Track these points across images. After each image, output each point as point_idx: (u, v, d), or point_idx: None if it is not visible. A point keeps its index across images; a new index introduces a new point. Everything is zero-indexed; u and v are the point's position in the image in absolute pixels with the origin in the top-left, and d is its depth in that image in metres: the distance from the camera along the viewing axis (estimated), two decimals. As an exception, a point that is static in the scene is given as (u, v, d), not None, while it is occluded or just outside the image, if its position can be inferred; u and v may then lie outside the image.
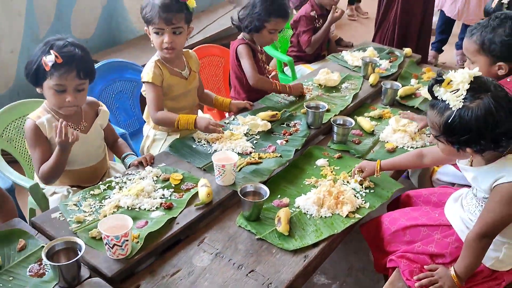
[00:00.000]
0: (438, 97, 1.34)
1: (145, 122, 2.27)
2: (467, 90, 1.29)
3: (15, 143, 2.03)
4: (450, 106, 1.30)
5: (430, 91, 1.35)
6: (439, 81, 1.33)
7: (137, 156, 1.92)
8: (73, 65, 1.64)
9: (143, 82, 2.02)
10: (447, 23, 4.36)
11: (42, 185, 1.84)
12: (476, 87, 1.29)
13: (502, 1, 2.17)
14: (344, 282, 2.18)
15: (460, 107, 1.29)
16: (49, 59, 1.60)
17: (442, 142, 1.38)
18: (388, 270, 1.65)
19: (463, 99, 1.29)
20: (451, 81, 1.31)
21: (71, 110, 1.74)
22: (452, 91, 1.30)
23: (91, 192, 1.65)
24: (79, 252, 1.29)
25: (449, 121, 1.31)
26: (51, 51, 1.61)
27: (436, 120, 1.35)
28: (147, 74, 1.99)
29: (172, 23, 1.88)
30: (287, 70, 3.20)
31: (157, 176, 1.75)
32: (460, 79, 1.30)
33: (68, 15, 3.35)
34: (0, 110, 1.99)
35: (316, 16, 3.05)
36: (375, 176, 1.79)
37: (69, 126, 1.77)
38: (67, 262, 1.27)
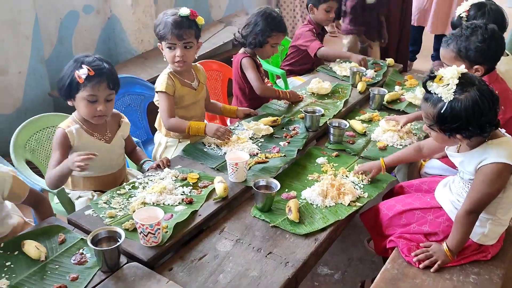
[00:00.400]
0: (431, 91, 1.56)
1: (153, 132, 2.44)
2: (456, 84, 1.51)
3: (37, 154, 2.18)
4: (442, 99, 1.52)
5: (424, 86, 1.57)
6: (432, 77, 1.56)
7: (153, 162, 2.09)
8: (103, 76, 1.82)
9: (157, 91, 2.21)
10: (416, 34, 4.73)
11: (67, 190, 1.99)
12: (464, 81, 1.52)
13: (461, 16, 2.45)
14: (345, 272, 2.36)
15: (451, 99, 1.51)
16: (82, 72, 1.77)
17: (435, 131, 1.60)
18: (387, 251, 1.84)
19: (453, 92, 1.51)
20: (442, 77, 1.54)
21: (101, 120, 1.91)
22: (444, 85, 1.53)
23: (118, 192, 1.81)
24: (119, 240, 1.46)
25: (441, 111, 1.53)
26: (83, 65, 1.78)
27: (430, 111, 1.56)
28: (160, 84, 2.18)
29: (184, 38, 2.09)
30: (279, 82, 3.42)
31: (175, 176, 1.92)
32: (450, 75, 1.52)
33: (69, 38, 3.54)
34: (23, 123, 2.15)
35: (315, 33, 3.28)
36: (383, 173, 2.00)
37: (96, 136, 1.94)
38: (110, 247, 1.43)
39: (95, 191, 2.01)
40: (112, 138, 2.00)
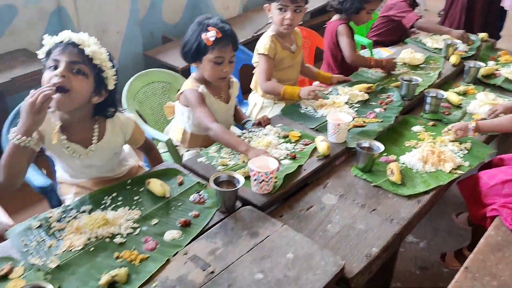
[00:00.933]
0: None
1: (243, 93, 2.53)
2: None
3: (143, 106, 2.33)
4: None
5: None
6: None
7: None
8: (228, 38, 1.88)
9: (258, 53, 2.28)
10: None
11: (176, 143, 2.12)
12: None
13: None
14: (431, 241, 2.38)
15: None
16: (210, 35, 1.83)
17: None
18: (485, 220, 1.84)
19: None
20: None
21: (223, 81, 1.99)
22: None
23: (210, 149, 1.90)
24: (237, 185, 1.56)
25: None
26: (209, 28, 1.84)
27: None
28: (263, 46, 2.25)
29: (297, 1, 2.14)
30: (364, 52, 3.40)
31: (278, 133, 2.00)
32: None
33: (160, 2, 3.67)
34: (134, 76, 2.30)
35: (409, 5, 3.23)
36: (471, 135, 1.98)
37: (216, 97, 2.02)
38: (231, 189, 1.53)
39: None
40: (228, 98, 2.08)
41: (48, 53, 1.53)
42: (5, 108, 2.55)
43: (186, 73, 2.63)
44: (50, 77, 1.49)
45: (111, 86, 1.58)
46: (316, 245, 1.42)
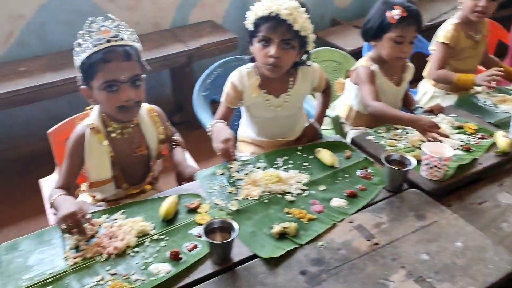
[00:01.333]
0: None
1: (411, 82, 2.45)
2: None
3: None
4: None
5: None
6: None
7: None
8: (413, 19, 1.86)
9: (438, 41, 2.19)
10: None
11: (340, 120, 2.17)
12: None
13: None
14: None
15: None
16: (395, 13, 1.84)
17: None
18: None
19: None
20: None
21: (400, 61, 1.99)
22: None
23: (379, 130, 1.90)
24: (408, 166, 1.54)
25: None
26: (395, 7, 1.84)
27: None
28: (443, 35, 2.17)
29: None
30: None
31: (451, 123, 1.92)
32: None
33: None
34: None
35: None
36: None
37: (387, 78, 2.01)
38: (402, 169, 1.53)
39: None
40: (400, 81, 2.06)
41: (256, 25, 1.64)
42: (191, 71, 2.88)
43: (354, 56, 2.65)
44: (263, 55, 1.64)
45: (310, 48, 1.68)
46: (489, 240, 1.35)
